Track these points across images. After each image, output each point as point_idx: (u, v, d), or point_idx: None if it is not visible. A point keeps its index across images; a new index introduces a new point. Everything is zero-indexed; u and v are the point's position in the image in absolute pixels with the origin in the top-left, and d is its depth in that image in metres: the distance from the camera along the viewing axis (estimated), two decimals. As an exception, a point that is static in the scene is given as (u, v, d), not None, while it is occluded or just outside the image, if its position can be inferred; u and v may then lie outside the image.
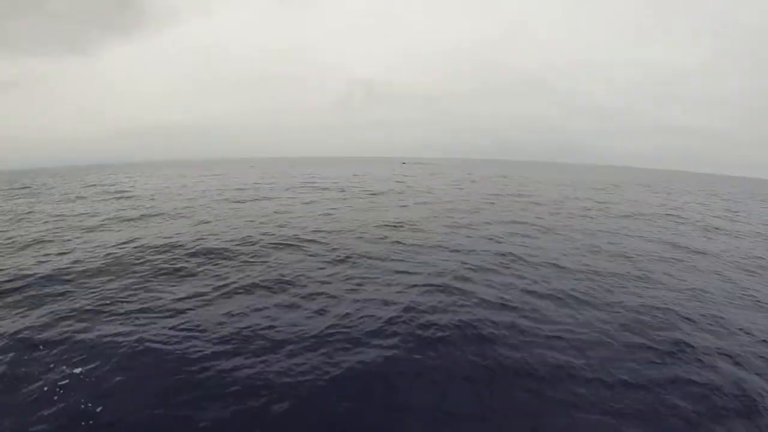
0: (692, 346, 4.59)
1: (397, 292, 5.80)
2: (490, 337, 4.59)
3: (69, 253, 7.85)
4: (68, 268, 6.72)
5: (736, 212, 17.78)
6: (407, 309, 5.19)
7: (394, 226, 10.59)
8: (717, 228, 12.83)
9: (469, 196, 19.24)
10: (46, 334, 4.45)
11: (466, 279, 6.42)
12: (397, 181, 26.76)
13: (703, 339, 4.82)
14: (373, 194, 18.75)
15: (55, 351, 4.12)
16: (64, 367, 3.83)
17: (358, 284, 6.15)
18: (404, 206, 14.73)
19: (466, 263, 7.19)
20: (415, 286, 6.05)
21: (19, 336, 4.43)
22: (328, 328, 4.69)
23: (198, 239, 8.69)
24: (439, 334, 4.61)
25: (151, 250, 7.83)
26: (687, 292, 6.39)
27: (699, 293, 6.35)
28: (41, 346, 4.20)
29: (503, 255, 7.84)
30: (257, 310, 5.21)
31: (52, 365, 3.88)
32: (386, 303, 5.41)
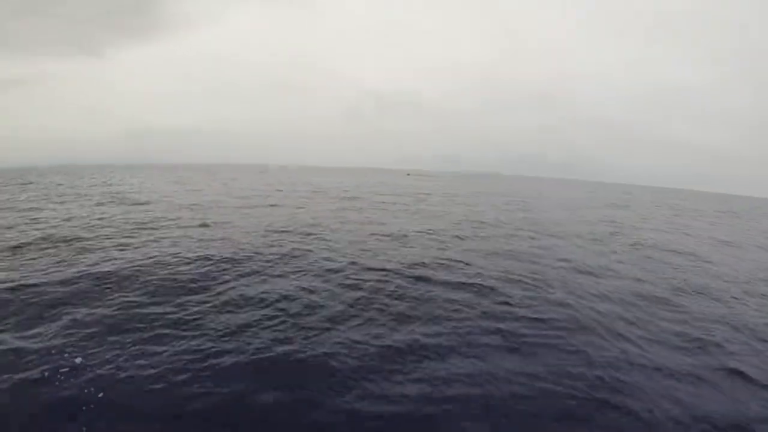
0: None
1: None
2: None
3: (82, 255, 7.29)
4: (82, 272, 6.12)
5: None
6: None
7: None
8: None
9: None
10: (55, 341, 4.02)
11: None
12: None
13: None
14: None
15: (65, 361, 3.68)
16: (73, 378, 3.44)
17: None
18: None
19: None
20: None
21: (27, 344, 3.96)
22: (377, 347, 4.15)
23: (226, 248, 8.08)
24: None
25: (168, 258, 7.19)
26: None
27: None
28: (50, 356, 3.75)
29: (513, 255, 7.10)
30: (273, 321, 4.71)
31: (61, 377, 3.45)
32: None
